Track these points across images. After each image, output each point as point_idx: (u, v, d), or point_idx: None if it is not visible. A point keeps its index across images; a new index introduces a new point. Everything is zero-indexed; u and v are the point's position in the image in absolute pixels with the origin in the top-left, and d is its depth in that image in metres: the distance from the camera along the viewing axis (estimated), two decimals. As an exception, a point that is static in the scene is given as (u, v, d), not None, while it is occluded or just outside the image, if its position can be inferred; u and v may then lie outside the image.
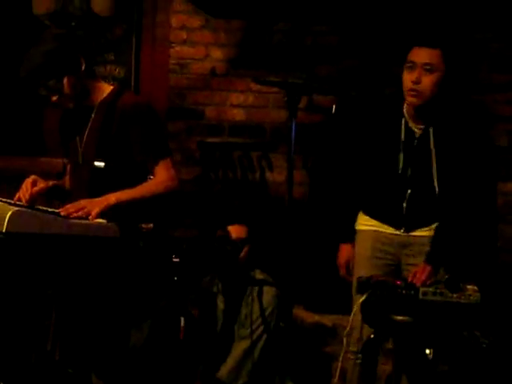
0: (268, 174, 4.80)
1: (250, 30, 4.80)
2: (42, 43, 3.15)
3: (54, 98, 3.18)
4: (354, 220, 3.71)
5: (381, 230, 3.66)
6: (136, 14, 4.82)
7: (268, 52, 4.80)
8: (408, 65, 3.42)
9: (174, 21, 4.82)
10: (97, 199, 3.07)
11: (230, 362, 3.99)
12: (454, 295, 3.26)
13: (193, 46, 4.82)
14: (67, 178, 3.46)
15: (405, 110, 3.53)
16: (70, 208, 3.02)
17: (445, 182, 3.53)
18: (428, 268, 3.42)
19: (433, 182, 3.53)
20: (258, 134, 4.81)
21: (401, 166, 3.53)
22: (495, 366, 3.99)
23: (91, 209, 3.00)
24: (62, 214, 2.98)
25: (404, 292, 3.31)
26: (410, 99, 3.44)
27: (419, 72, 3.39)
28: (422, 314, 3.29)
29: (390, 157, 3.54)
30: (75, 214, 2.97)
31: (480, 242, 4.53)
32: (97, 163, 3.20)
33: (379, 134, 3.58)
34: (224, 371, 3.97)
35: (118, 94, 3.28)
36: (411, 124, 3.52)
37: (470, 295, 3.27)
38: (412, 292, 3.30)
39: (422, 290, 3.30)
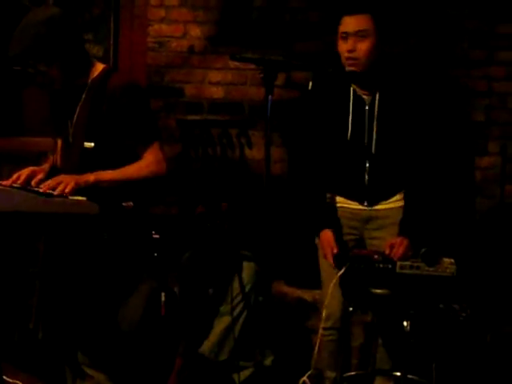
0: (247, 151, 4.81)
1: (229, 7, 4.80)
2: (35, 23, 3.07)
3: (41, 80, 3.16)
4: (328, 203, 3.72)
5: (345, 205, 3.69)
6: (114, -7, 4.81)
7: (247, 29, 4.79)
8: (342, 35, 3.45)
9: (152, -1, 4.81)
10: (76, 175, 3.08)
11: (212, 337, 4.01)
12: (431, 268, 3.31)
13: (171, 23, 4.81)
14: (57, 156, 3.45)
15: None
16: (49, 183, 3.02)
17: (386, 149, 3.55)
18: (405, 242, 3.47)
19: (391, 152, 3.56)
20: (236, 111, 4.82)
21: (349, 133, 3.55)
22: (472, 338, 4.06)
23: (69, 182, 3.01)
24: (42, 189, 2.98)
25: (382, 266, 3.36)
26: (348, 68, 3.47)
27: (353, 40, 3.42)
28: (399, 287, 3.34)
29: (341, 126, 3.57)
30: (54, 191, 2.98)
31: (457, 216, 4.58)
32: (87, 144, 3.20)
33: (332, 106, 3.60)
34: (206, 347, 3.99)
35: (108, 74, 3.27)
36: (360, 92, 3.55)
37: (446, 268, 3.32)
38: (389, 266, 3.35)
39: (399, 263, 3.35)
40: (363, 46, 3.43)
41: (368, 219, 3.66)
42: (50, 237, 3.22)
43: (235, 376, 3.99)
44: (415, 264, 3.33)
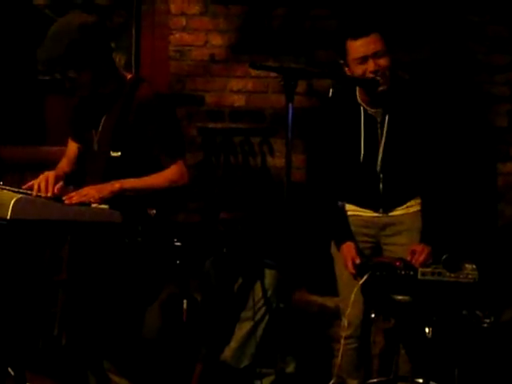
0: (269, 159, 4.82)
1: (249, 15, 4.81)
2: (68, 29, 3.09)
3: (69, 85, 3.18)
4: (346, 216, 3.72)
5: (359, 213, 3.70)
6: (135, 2, 4.83)
7: (267, 37, 4.80)
8: (357, 60, 3.42)
9: (174, 7, 4.83)
10: (100, 185, 3.10)
11: (234, 344, 4.01)
12: (452, 274, 3.30)
13: (192, 32, 4.83)
14: (69, 163, 3.47)
15: (359, 99, 3.55)
16: (73, 196, 3.05)
17: (399, 161, 3.55)
18: (426, 249, 3.47)
19: (403, 164, 3.55)
20: (258, 119, 4.83)
21: (362, 153, 3.56)
22: (495, 345, 4.03)
23: (93, 194, 3.03)
24: (66, 202, 3.01)
25: (403, 272, 3.35)
26: (381, 87, 3.44)
27: (373, 60, 3.40)
28: (421, 293, 3.33)
29: (354, 141, 3.57)
30: (78, 201, 3.00)
31: (479, 221, 4.55)
32: (113, 153, 3.21)
33: (344, 123, 3.60)
34: (228, 353, 4.00)
35: (137, 83, 3.29)
36: (370, 111, 3.55)
37: (468, 274, 3.31)
38: (411, 272, 3.34)
39: (420, 270, 3.34)
40: (384, 63, 3.42)
41: (384, 226, 3.68)
42: (74, 245, 3.24)
43: (257, 383, 3.99)
44: (437, 270, 3.32)
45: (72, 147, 3.48)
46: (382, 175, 3.58)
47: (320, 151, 3.74)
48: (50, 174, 3.19)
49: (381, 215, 3.66)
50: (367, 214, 3.69)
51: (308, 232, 4.55)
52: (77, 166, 3.44)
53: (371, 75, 3.40)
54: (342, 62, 3.52)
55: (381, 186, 3.59)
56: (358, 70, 3.44)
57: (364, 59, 3.41)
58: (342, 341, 3.59)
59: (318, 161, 3.76)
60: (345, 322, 3.57)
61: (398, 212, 3.65)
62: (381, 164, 3.56)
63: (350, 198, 3.72)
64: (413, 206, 3.64)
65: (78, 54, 3.07)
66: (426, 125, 3.53)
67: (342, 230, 3.68)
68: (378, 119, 3.54)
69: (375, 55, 3.40)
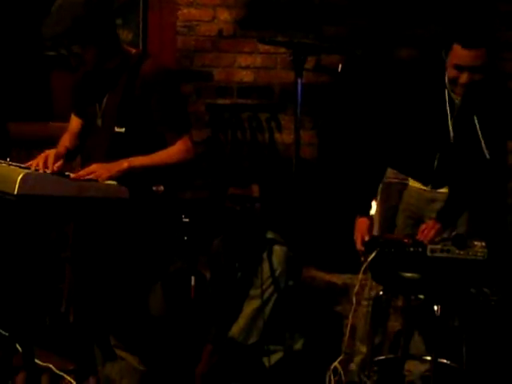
0: (277, 135, 4.80)
1: (258, -10, 4.79)
2: (72, 5, 3.05)
3: (74, 62, 3.17)
4: (373, 193, 3.73)
5: (408, 183, 3.75)
6: (142, -23, 4.81)
7: (276, 12, 4.78)
8: (455, 66, 3.39)
9: (181, -17, 4.81)
10: (109, 164, 3.08)
11: (241, 321, 4.01)
12: (461, 252, 3.29)
13: (200, 7, 4.80)
14: (72, 138, 3.45)
15: (447, 83, 3.50)
16: (81, 173, 3.03)
17: (462, 143, 3.54)
18: (437, 226, 3.46)
19: (463, 147, 3.55)
20: (266, 95, 4.81)
21: (452, 134, 3.55)
22: (503, 322, 4.03)
23: (102, 173, 3.02)
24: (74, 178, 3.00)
25: (412, 249, 3.34)
26: (455, 96, 3.46)
27: (468, 73, 3.37)
28: (430, 270, 3.32)
29: (438, 124, 3.54)
30: (86, 178, 2.99)
31: (488, 199, 4.54)
32: (117, 128, 3.20)
33: (422, 100, 3.56)
34: (235, 330, 4.00)
35: (141, 59, 3.27)
36: (453, 95, 3.52)
37: (477, 252, 3.29)
38: (420, 249, 3.33)
39: (429, 247, 3.32)
40: (477, 78, 3.39)
41: (430, 200, 3.72)
42: (80, 221, 3.23)
43: (265, 360, 4.00)
44: (446, 247, 3.31)
45: (75, 122, 3.46)
46: (438, 154, 3.58)
47: (378, 117, 3.71)
48: (51, 152, 3.17)
49: (429, 190, 3.70)
50: (416, 185, 3.73)
51: (316, 209, 4.54)
52: (79, 141, 3.42)
53: (460, 86, 3.40)
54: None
55: (436, 163, 3.60)
56: (451, 73, 3.42)
57: (461, 68, 3.38)
58: (363, 302, 3.64)
59: (369, 129, 3.73)
60: (355, 297, 3.56)
61: (445, 190, 3.67)
62: (443, 139, 3.55)
63: (403, 167, 3.75)
64: None
65: (83, 30, 3.05)
66: (488, 114, 3.52)
67: (364, 203, 3.67)
68: (456, 104, 3.51)
69: (473, 69, 3.37)
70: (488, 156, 3.53)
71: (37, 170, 3.06)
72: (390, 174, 3.79)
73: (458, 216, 3.59)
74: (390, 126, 3.65)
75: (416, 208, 3.76)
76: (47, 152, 3.18)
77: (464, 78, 3.38)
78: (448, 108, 3.54)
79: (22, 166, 3.08)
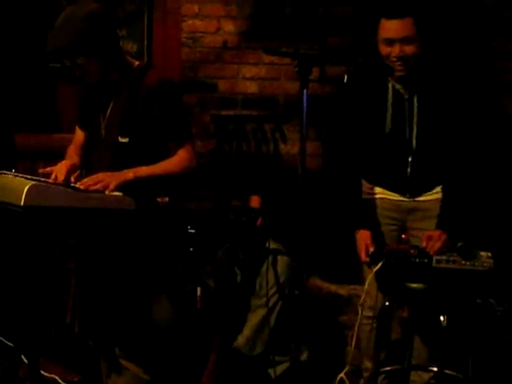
0: (281, 146, 4.80)
1: (262, 1, 4.79)
2: (76, 17, 3.10)
3: (78, 73, 3.19)
4: (361, 204, 3.70)
5: (385, 196, 3.69)
6: (147, -11, 4.83)
7: (280, 24, 4.78)
8: (385, 41, 3.42)
9: (185, -6, 4.82)
10: (115, 173, 3.10)
11: (247, 331, 4.01)
12: (467, 262, 3.29)
13: (204, 19, 4.80)
14: (77, 149, 3.47)
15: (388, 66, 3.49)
16: (87, 181, 3.05)
17: (427, 143, 3.54)
18: (443, 236, 3.44)
19: (431, 144, 3.54)
20: (271, 106, 4.81)
21: (389, 126, 3.55)
22: (509, 333, 4.01)
23: (109, 182, 3.03)
24: (80, 187, 3.01)
25: (418, 260, 3.34)
26: (398, 73, 3.45)
27: (399, 45, 3.40)
28: (435, 281, 3.32)
29: (380, 120, 3.56)
30: (93, 188, 3.00)
31: (494, 209, 4.53)
32: (121, 139, 3.22)
33: (370, 100, 3.59)
34: (241, 341, 4.00)
35: (144, 70, 3.29)
36: (398, 86, 3.53)
37: (483, 262, 3.29)
38: (426, 260, 3.33)
39: (435, 257, 3.33)
40: (410, 51, 3.41)
41: (410, 210, 3.68)
42: (85, 232, 3.24)
43: (271, 371, 3.99)
44: (451, 258, 3.31)
45: (79, 134, 3.49)
46: (410, 159, 3.56)
47: (340, 135, 3.73)
48: (65, 163, 3.23)
49: (407, 199, 3.66)
50: (394, 197, 3.69)
51: (322, 219, 4.54)
52: (84, 152, 3.44)
53: (394, 59, 3.39)
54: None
55: (408, 169, 3.59)
56: (384, 50, 3.45)
57: (391, 41, 3.40)
58: (363, 320, 3.58)
59: (339, 145, 3.74)
60: (364, 303, 3.54)
61: (424, 198, 3.65)
62: (408, 140, 3.54)
63: (377, 180, 3.71)
64: (439, 193, 3.63)
65: (86, 42, 3.08)
66: (453, 109, 3.52)
67: (359, 216, 3.66)
68: (405, 96, 3.53)
69: (403, 40, 3.38)
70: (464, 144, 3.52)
71: (55, 180, 3.09)
72: (365, 189, 3.74)
73: (458, 219, 3.54)
74: (356, 137, 3.66)
75: (397, 220, 3.71)
76: (64, 163, 3.24)
77: (395, 50, 3.40)
78: (390, 99, 3.54)
79: (28, 177, 3.09)
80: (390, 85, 3.54)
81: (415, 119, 3.52)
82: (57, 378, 3.94)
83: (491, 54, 4.73)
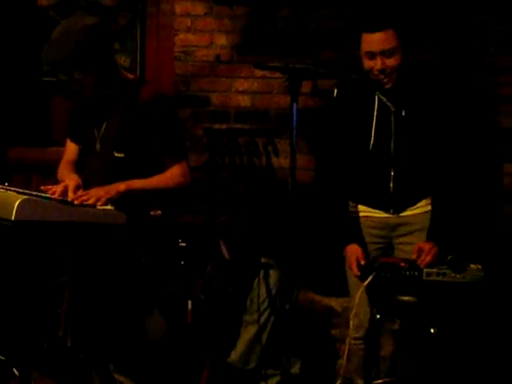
0: (274, 160, 4.81)
1: (254, 16, 4.81)
2: (74, 31, 3.10)
3: (74, 87, 3.19)
4: (348, 220, 3.69)
5: (369, 214, 3.68)
6: (140, 3, 4.84)
7: (272, 38, 4.80)
8: (367, 54, 3.43)
9: (178, 8, 4.83)
10: (107, 186, 3.11)
11: (240, 346, 4.01)
12: (458, 275, 3.29)
13: (197, 33, 4.83)
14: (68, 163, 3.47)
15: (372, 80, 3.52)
16: (80, 195, 3.05)
17: (412, 157, 3.53)
18: (433, 250, 3.44)
19: (414, 159, 3.54)
20: (263, 119, 4.83)
21: (372, 142, 3.54)
22: (500, 345, 4.02)
23: (100, 196, 3.04)
24: (74, 201, 3.01)
25: (408, 273, 3.34)
26: (385, 86, 3.45)
27: (381, 58, 3.40)
28: (426, 294, 3.32)
29: (365, 134, 3.56)
30: (85, 202, 3.01)
31: (484, 222, 4.54)
32: (116, 153, 3.22)
33: (356, 114, 3.59)
34: (234, 356, 4.00)
35: (139, 84, 3.30)
36: (384, 99, 3.54)
37: (473, 275, 3.30)
38: (416, 273, 3.33)
39: (425, 270, 3.33)
40: (392, 63, 3.41)
41: (395, 226, 3.66)
42: (77, 246, 3.25)
43: (263, 384, 4.00)
44: (442, 271, 3.31)
45: (72, 149, 3.48)
46: (392, 173, 3.56)
47: (329, 150, 3.73)
48: (72, 184, 3.19)
49: (392, 216, 3.65)
50: (378, 214, 3.67)
51: (314, 233, 4.55)
52: (77, 166, 3.44)
53: (377, 72, 3.40)
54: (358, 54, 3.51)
55: (391, 184, 3.57)
56: (366, 64, 3.45)
57: (372, 55, 3.41)
58: (349, 340, 3.58)
59: (328, 160, 3.74)
60: (351, 323, 3.56)
61: (409, 212, 3.63)
62: (393, 155, 3.53)
63: (360, 198, 3.70)
64: (423, 206, 3.62)
65: (83, 56, 3.08)
66: (441, 122, 3.53)
67: (348, 231, 3.66)
68: (392, 109, 3.53)
69: (383, 53, 3.39)
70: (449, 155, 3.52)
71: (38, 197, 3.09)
72: (349, 208, 3.73)
73: (448, 232, 3.54)
74: (342, 154, 3.66)
75: (383, 238, 3.70)
76: (67, 182, 3.20)
77: (378, 63, 3.40)
78: (375, 112, 3.53)
79: (20, 191, 3.09)
80: (376, 98, 3.54)
81: (402, 132, 3.52)
82: (49, 391, 3.93)
83: (483, 67, 4.75)
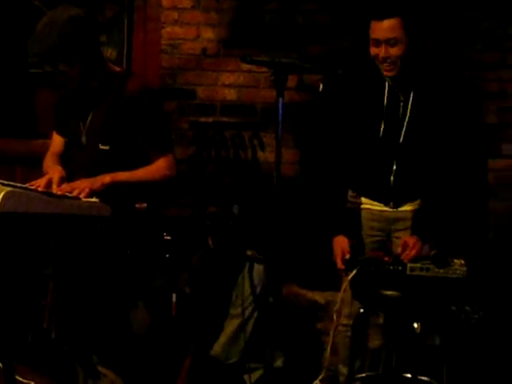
0: (259, 153, 4.82)
1: (241, 9, 4.81)
2: (58, 22, 3.08)
3: (60, 78, 3.18)
4: (342, 210, 3.68)
5: (369, 207, 3.69)
6: (127, -5, 4.84)
7: (259, 32, 4.81)
8: (373, 41, 3.44)
9: (165, 1, 4.82)
10: (92, 178, 3.10)
11: (223, 339, 4.02)
12: (441, 270, 3.31)
13: (184, 26, 4.83)
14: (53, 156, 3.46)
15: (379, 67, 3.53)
16: (65, 187, 3.05)
17: (416, 148, 3.54)
18: (418, 245, 3.45)
19: (419, 150, 3.55)
20: (249, 113, 4.83)
21: (382, 130, 3.54)
22: (484, 340, 4.04)
23: (85, 187, 3.03)
24: (58, 193, 3.00)
25: (392, 268, 3.35)
26: (386, 73, 3.47)
27: (385, 46, 3.40)
28: (409, 288, 3.34)
29: (374, 123, 3.56)
30: (69, 194, 3.00)
31: (469, 217, 4.56)
32: (102, 146, 3.22)
33: (364, 103, 3.59)
34: (217, 348, 4.01)
35: (125, 77, 3.29)
36: (393, 86, 3.54)
37: (456, 270, 3.31)
38: (400, 268, 3.35)
39: (409, 265, 3.34)
40: (396, 52, 3.41)
41: (394, 220, 3.67)
42: (62, 238, 3.24)
43: (246, 377, 4.00)
44: (425, 266, 3.33)
45: (57, 141, 3.47)
46: (394, 167, 3.57)
47: (321, 142, 3.73)
48: (55, 176, 3.17)
49: (391, 209, 3.66)
50: (378, 207, 3.68)
51: (298, 227, 4.56)
52: (63, 159, 3.43)
53: (381, 60, 3.42)
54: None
55: (392, 178, 3.58)
56: (372, 51, 3.46)
57: (378, 42, 3.42)
58: (339, 327, 3.59)
59: (320, 152, 3.74)
60: (335, 316, 3.55)
61: (408, 207, 3.65)
62: (401, 143, 3.54)
63: (363, 190, 3.71)
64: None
65: (69, 47, 3.07)
66: (444, 117, 3.53)
67: (337, 222, 3.66)
68: (401, 98, 3.53)
69: (388, 42, 3.40)
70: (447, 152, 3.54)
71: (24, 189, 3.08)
72: (349, 199, 3.72)
73: (434, 227, 3.54)
74: (341, 143, 3.66)
75: (381, 231, 3.71)
76: (52, 174, 3.18)
77: (382, 51, 3.41)
78: (385, 105, 3.54)
79: (5, 182, 3.08)
80: (386, 85, 3.54)
81: (406, 123, 3.52)
82: (33, 383, 3.92)
83: (469, 63, 4.77)
